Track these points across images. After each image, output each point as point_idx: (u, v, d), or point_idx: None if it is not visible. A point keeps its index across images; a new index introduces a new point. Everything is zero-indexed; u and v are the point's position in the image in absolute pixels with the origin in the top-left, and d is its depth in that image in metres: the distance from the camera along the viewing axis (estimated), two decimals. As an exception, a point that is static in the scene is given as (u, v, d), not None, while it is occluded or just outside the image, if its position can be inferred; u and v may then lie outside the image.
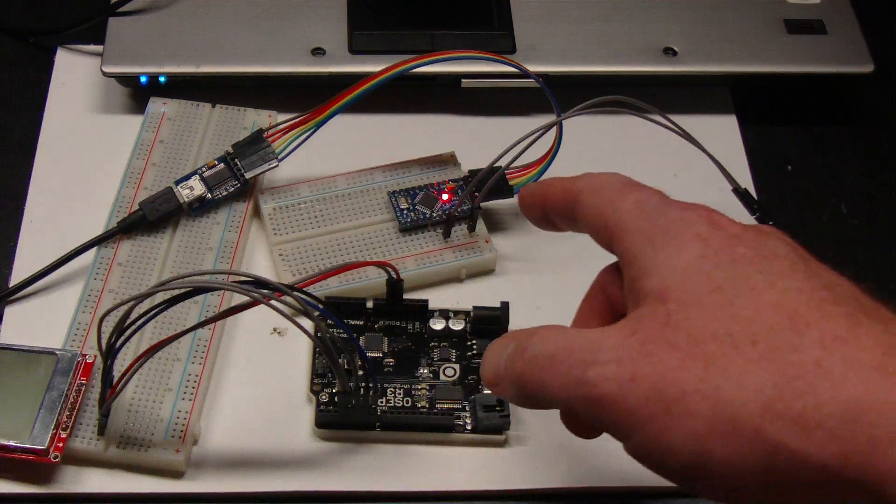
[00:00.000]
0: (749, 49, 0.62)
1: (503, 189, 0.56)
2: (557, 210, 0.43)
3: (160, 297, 0.43)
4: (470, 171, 0.57)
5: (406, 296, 0.53)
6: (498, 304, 0.52)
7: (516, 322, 0.52)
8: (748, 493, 0.34)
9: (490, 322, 0.52)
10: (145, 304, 0.43)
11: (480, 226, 0.56)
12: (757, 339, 0.34)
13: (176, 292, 0.43)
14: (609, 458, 0.49)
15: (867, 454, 0.32)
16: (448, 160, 0.58)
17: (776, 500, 0.35)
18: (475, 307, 0.52)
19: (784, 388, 0.33)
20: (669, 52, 0.61)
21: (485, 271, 0.56)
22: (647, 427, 0.34)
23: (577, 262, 0.56)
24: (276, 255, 0.54)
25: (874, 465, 0.32)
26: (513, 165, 0.54)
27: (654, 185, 0.58)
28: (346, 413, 0.49)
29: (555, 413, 0.50)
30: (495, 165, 0.54)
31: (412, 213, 0.56)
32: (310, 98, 0.55)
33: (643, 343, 0.35)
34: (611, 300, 0.42)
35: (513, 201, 0.57)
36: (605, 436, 0.50)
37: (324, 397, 0.50)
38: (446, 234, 0.55)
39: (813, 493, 0.33)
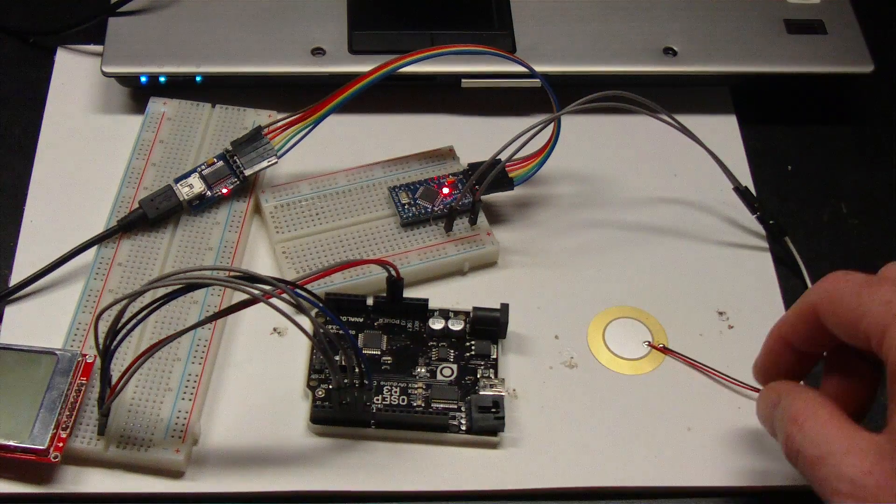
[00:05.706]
0: (749, 49, 0.62)
1: (503, 182, 0.56)
2: (804, 341, 0.43)
3: (160, 294, 0.43)
4: (469, 165, 0.57)
5: (410, 290, 0.53)
6: (500, 300, 0.52)
7: (518, 320, 0.52)
8: None
9: (489, 323, 0.52)
10: (145, 302, 0.43)
11: (482, 219, 0.56)
12: None
13: (169, 289, 0.43)
14: (601, 459, 0.49)
15: None
16: (447, 154, 0.58)
17: None
18: (475, 308, 0.52)
19: None
20: (669, 52, 0.61)
21: (487, 264, 0.56)
22: None
23: (579, 252, 0.57)
24: (280, 254, 0.54)
25: None
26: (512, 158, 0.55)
27: (654, 185, 0.59)
28: (341, 409, 0.49)
29: (549, 415, 0.51)
30: (496, 159, 0.54)
31: (413, 208, 0.56)
32: (310, 98, 0.55)
33: None
34: (796, 351, 0.43)
35: (513, 194, 0.57)
36: (596, 435, 0.50)
37: (320, 393, 0.50)
38: (448, 228, 0.55)
39: None
